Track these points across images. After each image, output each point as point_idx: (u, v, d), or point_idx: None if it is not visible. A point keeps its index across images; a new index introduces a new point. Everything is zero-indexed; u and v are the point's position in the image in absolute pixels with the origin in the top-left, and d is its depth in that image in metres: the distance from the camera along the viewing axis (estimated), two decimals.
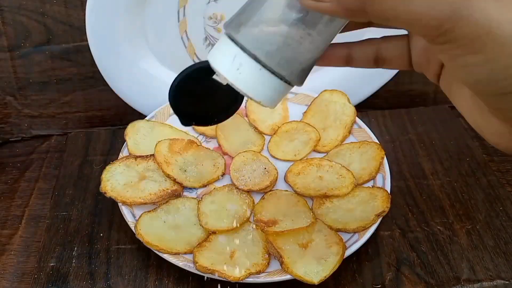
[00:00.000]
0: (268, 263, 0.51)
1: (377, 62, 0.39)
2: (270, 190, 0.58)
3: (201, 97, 0.40)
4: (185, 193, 0.58)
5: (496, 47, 0.30)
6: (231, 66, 0.35)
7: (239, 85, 0.35)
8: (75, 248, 0.55)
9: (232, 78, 0.35)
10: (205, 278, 0.50)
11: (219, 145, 0.63)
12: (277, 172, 0.59)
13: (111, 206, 0.59)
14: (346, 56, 0.39)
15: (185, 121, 0.42)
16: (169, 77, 0.68)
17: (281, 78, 0.35)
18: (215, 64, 0.36)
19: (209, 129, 0.64)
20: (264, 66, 0.34)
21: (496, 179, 0.63)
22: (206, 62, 0.37)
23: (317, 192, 0.57)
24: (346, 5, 0.31)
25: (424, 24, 0.30)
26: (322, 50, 0.36)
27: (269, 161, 0.60)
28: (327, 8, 0.32)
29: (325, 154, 0.62)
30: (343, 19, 0.35)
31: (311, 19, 0.34)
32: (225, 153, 0.62)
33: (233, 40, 0.35)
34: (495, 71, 0.31)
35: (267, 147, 0.63)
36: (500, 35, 0.29)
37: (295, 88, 0.69)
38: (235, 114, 0.66)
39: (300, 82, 0.36)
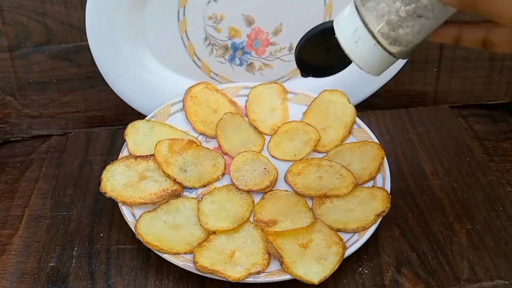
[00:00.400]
0: (268, 263, 0.51)
1: (486, 44, 0.42)
2: (270, 190, 0.58)
3: (321, 52, 0.44)
4: (185, 193, 0.58)
5: None
6: (350, 38, 0.39)
7: (353, 57, 0.39)
8: (75, 248, 0.55)
9: (348, 49, 0.39)
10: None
11: (219, 145, 0.63)
12: (277, 172, 0.59)
13: (111, 206, 0.59)
14: (457, 35, 0.42)
15: (305, 73, 0.46)
16: (169, 77, 0.68)
17: (390, 53, 0.39)
18: (337, 32, 0.40)
19: (209, 129, 0.64)
20: (378, 42, 0.38)
21: (496, 179, 0.63)
22: (330, 23, 0.41)
23: (317, 192, 0.57)
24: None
25: None
26: (430, 33, 0.40)
27: (269, 161, 0.60)
28: None
29: (325, 154, 0.62)
30: (455, 9, 0.39)
31: (426, 5, 0.38)
32: (225, 153, 0.62)
33: (358, 12, 0.39)
34: None
35: (267, 147, 0.63)
36: None
37: (295, 88, 0.70)
38: (235, 114, 0.66)
39: (407, 58, 0.40)
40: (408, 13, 0.38)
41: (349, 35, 0.39)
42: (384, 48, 0.39)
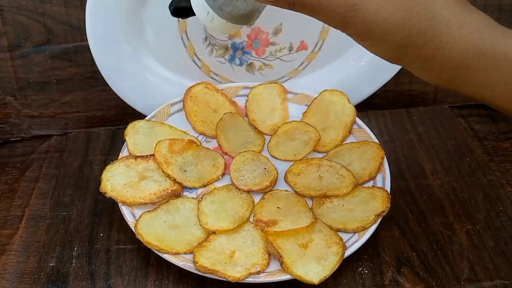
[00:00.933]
0: (268, 263, 0.51)
1: None
2: (270, 190, 0.58)
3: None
4: (185, 193, 0.58)
5: (376, 38, 0.40)
6: (206, 18, 0.49)
7: (212, 30, 0.51)
8: (75, 248, 0.55)
9: (207, 25, 0.49)
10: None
11: (219, 145, 0.63)
12: (277, 172, 0.59)
13: (111, 206, 0.59)
14: None
15: (184, 17, 0.56)
16: (169, 77, 0.68)
17: (239, 25, 0.49)
18: (196, 12, 0.49)
19: (209, 129, 0.64)
20: (227, 22, 0.48)
21: (496, 179, 0.63)
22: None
23: (317, 192, 0.57)
24: None
25: (332, 16, 0.40)
26: (257, 9, 0.48)
27: (269, 161, 0.60)
28: None
29: (325, 154, 0.62)
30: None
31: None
32: (225, 153, 0.62)
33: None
34: (379, 54, 0.42)
35: (267, 147, 0.63)
36: (377, 34, 0.40)
37: (295, 88, 0.69)
38: (235, 114, 0.66)
39: (251, 23, 0.50)
40: (233, 3, 0.47)
41: (204, 16, 0.48)
42: (233, 23, 0.48)
